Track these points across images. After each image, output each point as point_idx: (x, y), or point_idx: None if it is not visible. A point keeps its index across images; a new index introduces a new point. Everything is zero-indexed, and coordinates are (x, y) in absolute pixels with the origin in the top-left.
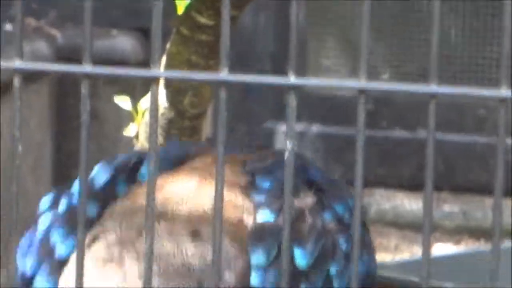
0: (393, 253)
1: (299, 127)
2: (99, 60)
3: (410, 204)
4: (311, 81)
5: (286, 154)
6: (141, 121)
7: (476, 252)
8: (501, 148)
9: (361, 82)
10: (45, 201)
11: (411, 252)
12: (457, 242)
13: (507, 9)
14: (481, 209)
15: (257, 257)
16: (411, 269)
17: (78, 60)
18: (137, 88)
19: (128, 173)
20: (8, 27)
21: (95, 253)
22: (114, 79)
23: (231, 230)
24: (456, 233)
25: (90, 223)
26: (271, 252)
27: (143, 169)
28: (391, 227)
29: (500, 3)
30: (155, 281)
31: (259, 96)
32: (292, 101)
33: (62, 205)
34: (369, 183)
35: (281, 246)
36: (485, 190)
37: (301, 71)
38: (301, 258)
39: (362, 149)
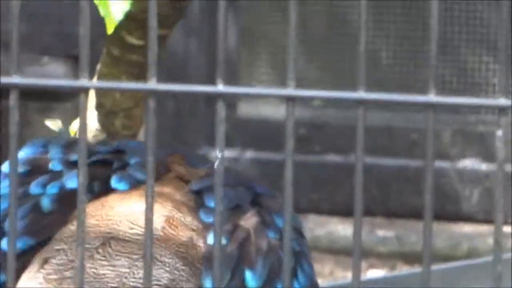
0: (328, 279)
1: (233, 153)
2: (29, 88)
3: (344, 229)
4: (240, 90)
5: (216, 164)
6: None
7: (409, 275)
8: (430, 170)
9: (289, 90)
10: None
11: (346, 278)
12: (391, 267)
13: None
14: (415, 233)
15: (209, 284)
16: None
17: (5, 87)
18: (70, 116)
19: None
20: None
21: (46, 275)
22: (46, 107)
23: (181, 251)
24: (390, 258)
25: (43, 225)
26: (224, 279)
27: (114, 179)
28: (326, 253)
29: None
30: None
31: (193, 122)
32: (220, 109)
33: None
34: (302, 209)
35: (233, 271)
36: (418, 214)
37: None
38: (252, 280)
39: (291, 157)
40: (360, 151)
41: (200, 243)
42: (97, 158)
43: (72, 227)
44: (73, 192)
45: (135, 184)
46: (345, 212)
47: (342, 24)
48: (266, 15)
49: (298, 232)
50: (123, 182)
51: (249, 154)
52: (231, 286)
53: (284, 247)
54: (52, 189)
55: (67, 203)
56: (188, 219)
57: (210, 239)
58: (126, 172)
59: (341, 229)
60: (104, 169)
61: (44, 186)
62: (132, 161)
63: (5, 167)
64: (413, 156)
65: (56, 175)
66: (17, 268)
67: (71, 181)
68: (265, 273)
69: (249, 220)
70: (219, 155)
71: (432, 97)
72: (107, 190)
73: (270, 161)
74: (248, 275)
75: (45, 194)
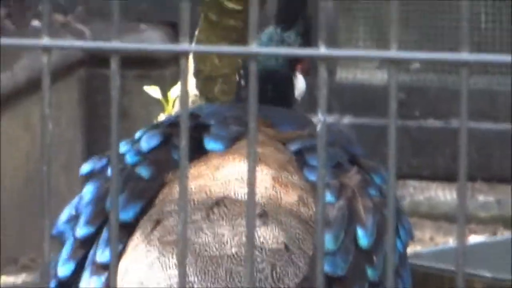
0: (428, 245)
1: (331, 118)
2: (127, 54)
3: (444, 195)
4: (342, 53)
5: (319, 126)
6: (171, 110)
7: (510, 240)
8: None
9: (392, 52)
10: (88, 167)
11: (446, 243)
12: (492, 233)
13: None
14: None
15: (326, 242)
16: (446, 257)
17: (105, 56)
18: (167, 83)
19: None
20: (35, 23)
21: (160, 236)
22: (144, 74)
23: (294, 210)
24: (491, 223)
25: (145, 189)
26: (339, 237)
27: (206, 139)
28: (426, 219)
29: None
30: (227, 264)
31: None
32: (323, 72)
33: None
34: (402, 175)
35: (346, 229)
36: None
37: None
38: (364, 237)
39: (394, 120)
40: (465, 113)
41: (310, 201)
42: (173, 120)
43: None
44: (157, 154)
45: (229, 144)
46: (445, 177)
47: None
48: None
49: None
50: (218, 142)
51: (347, 119)
52: (345, 244)
53: (388, 206)
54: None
55: (159, 166)
56: (295, 178)
57: None
58: (214, 131)
59: (441, 194)
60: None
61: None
62: (211, 121)
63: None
64: None
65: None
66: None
67: (146, 143)
68: (374, 230)
69: (353, 178)
70: (321, 118)
71: None
72: (199, 151)
73: (368, 126)
74: (360, 232)
75: (137, 162)
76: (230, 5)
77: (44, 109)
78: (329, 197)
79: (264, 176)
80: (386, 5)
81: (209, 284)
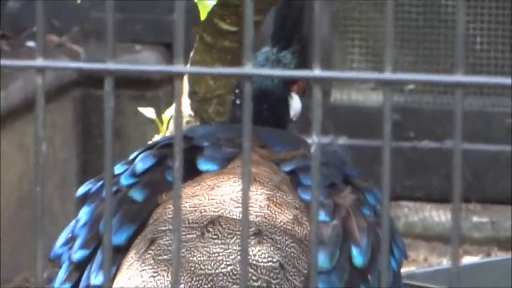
0: (422, 265)
1: (326, 139)
2: (122, 75)
3: (438, 216)
4: (336, 74)
5: (313, 147)
6: (165, 131)
7: (504, 261)
8: None
9: (386, 74)
10: (84, 189)
11: (440, 264)
12: (487, 253)
13: None
14: (510, 219)
15: (321, 261)
16: (440, 278)
17: (101, 76)
18: (162, 104)
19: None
20: (30, 43)
21: (155, 255)
22: (139, 95)
23: (289, 229)
24: (485, 244)
25: (138, 212)
26: (334, 256)
27: (200, 160)
28: (420, 239)
29: None
30: (221, 283)
31: None
32: (317, 94)
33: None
34: (397, 196)
35: (341, 248)
36: None
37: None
38: (358, 256)
39: (388, 141)
40: (459, 135)
41: (305, 220)
42: (167, 142)
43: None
44: (151, 176)
45: (223, 165)
46: (439, 198)
47: (437, 10)
48: (357, 2)
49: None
50: (212, 163)
51: (342, 140)
52: (340, 263)
53: (382, 226)
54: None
55: (153, 188)
56: (290, 197)
57: None
58: (208, 152)
59: (436, 215)
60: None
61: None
62: (204, 143)
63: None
64: (508, 141)
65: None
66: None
67: (141, 164)
68: (369, 249)
69: (347, 198)
70: (316, 139)
71: None
72: (193, 172)
73: (363, 147)
74: (355, 252)
75: (132, 184)
76: (225, 26)
77: (38, 130)
78: (323, 216)
79: (259, 196)
80: (381, 26)
81: None
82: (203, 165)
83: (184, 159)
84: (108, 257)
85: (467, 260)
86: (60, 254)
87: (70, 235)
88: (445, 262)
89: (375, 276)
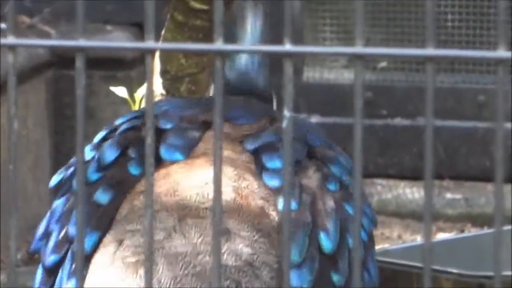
0: (396, 243)
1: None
2: (94, 55)
3: (412, 193)
4: (306, 49)
5: (284, 123)
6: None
7: (478, 236)
8: (500, 131)
9: (358, 48)
10: (56, 179)
11: (414, 241)
12: (460, 230)
13: None
14: (483, 196)
15: (291, 254)
16: (414, 254)
17: (72, 57)
18: (134, 84)
19: (140, 149)
20: (2, 26)
21: (124, 257)
22: (111, 75)
23: (257, 223)
24: (458, 221)
25: (103, 215)
26: (303, 247)
27: (163, 148)
28: (394, 217)
29: None
30: (191, 281)
31: None
32: (288, 69)
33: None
34: (370, 174)
35: (310, 237)
36: (487, 176)
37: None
38: (327, 243)
39: (360, 116)
40: (430, 110)
41: (272, 211)
42: (130, 125)
43: (139, 203)
44: (115, 171)
45: (187, 153)
46: (412, 175)
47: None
48: None
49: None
50: (175, 152)
51: (315, 118)
52: (310, 254)
53: (355, 210)
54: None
55: (117, 187)
56: (255, 186)
57: (281, 206)
58: (172, 139)
59: (409, 193)
60: (139, 136)
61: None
62: (167, 125)
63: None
64: (481, 118)
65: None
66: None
67: (108, 154)
68: (337, 233)
69: (312, 179)
70: (287, 114)
71: (502, 53)
72: (156, 158)
73: (336, 125)
74: (323, 237)
75: (96, 183)
76: (196, 4)
77: (10, 107)
78: (291, 204)
79: (224, 189)
80: (352, 4)
81: None
82: (166, 153)
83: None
84: (81, 257)
85: (441, 236)
86: (38, 248)
87: (46, 229)
88: (419, 239)
89: (345, 260)
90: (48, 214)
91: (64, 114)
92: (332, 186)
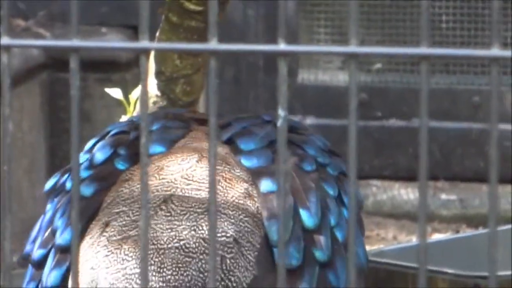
0: (391, 244)
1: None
2: (88, 58)
3: (407, 194)
4: (300, 48)
5: (279, 122)
6: (132, 112)
7: (473, 236)
8: (495, 133)
9: (352, 47)
10: (51, 183)
11: (410, 242)
12: (455, 231)
13: None
14: (478, 197)
15: (275, 234)
16: (409, 255)
17: (67, 59)
18: (128, 86)
19: (128, 147)
20: None
21: (109, 236)
22: (105, 78)
23: (241, 203)
24: (453, 221)
25: (85, 208)
26: (288, 227)
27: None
28: (389, 218)
29: None
30: (173, 255)
31: (252, 91)
32: (282, 69)
33: (67, 188)
34: (365, 175)
35: (294, 217)
36: (481, 177)
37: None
38: (309, 219)
39: (355, 115)
40: (425, 110)
41: (255, 193)
42: (118, 130)
43: (126, 189)
44: (102, 167)
45: (170, 145)
46: (407, 176)
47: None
48: None
49: (330, 153)
50: (159, 145)
51: (309, 120)
52: (295, 232)
53: (350, 209)
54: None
55: (102, 181)
56: (237, 170)
57: (264, 187)
58: (155, 136)
59: (404, 193)
60: (127, 139)
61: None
62: (154, 127)
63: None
64: (475, 119)
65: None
66: None
67: (99, 154)
68: (318, 209)
69: (289, 161)
70: (282, 113)
71: (496, 51)
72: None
73: (330, 126)
74: (304, 215)
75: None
76: (191, 6)
77: (4, 108)
78: (271, 185)
79: (209, 173)
80: (346, 5)
81: (154, 274)
82: (150, 148)
83: (133, 146)
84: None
85: (436, 237)
86: (30, 252)
87: (37, 232)
88: (414, 240)
89: (327, 235)
90: (41, 218)
91: (59, 117)
92: (308, 167)
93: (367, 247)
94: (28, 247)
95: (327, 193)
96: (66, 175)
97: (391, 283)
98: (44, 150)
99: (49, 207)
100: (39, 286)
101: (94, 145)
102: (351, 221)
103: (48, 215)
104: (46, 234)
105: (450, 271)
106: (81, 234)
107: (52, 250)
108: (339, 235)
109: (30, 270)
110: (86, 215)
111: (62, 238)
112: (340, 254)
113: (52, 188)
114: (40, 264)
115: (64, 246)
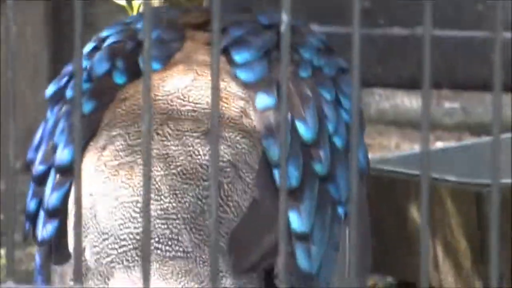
0: (394, 152)
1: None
2: None
3: (410, 102)
4: None
5: (283, 27)
6: None
7: (476, 145)
8: (499, 41)
9: None
10: (51, 90)
11: (412, 150)
12: (458, 139)
13: None
14: (481, 105)
15: (276, 154)
16: (412, 162)
17: None
18: None
19: (125, 59)
20: None
21: (106, 161)
22: None
23: (238, 123)
24: (456, 130)
25: (88, 122)
26: (286, 143)
27: (141, 60)
28: (392, 126)
29: None
30: (173, 180)
31: None
32: None
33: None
34: (368, 83)
35: (291, 132)
36: (485, 85)
37: None
38: (306, 132)
39: (358, 24)
40: (428, 18)
41: (251, 110)
42: (115, 39)
43: (124, 111)
44: (101, 82)
45: (166, 62)
46: (410, 84)
47: None
48: None
49: (328, 51)
50: (154, 62)
51: (313, 27)
52: (293, 149)
53: (353, 125)
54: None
55: (100, 96)
56: (233, 86)
57: (260, 102)
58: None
59: (407, 102)
60: (124, 49)
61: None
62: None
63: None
64: (479, 27)
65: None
66: None
67: (99, 67)
68: (315, 120)
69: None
70: (285, 18)
71: None
72: (135, 72)
73: (334, 34)
74: (301, 127)
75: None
76: None
77: (8, 11)
78: (268, 100)
79: (204, 91)
80: None
81: (152, 202)
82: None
83: (130, 57)
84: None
85: (439, 145)
86: (32, 159)
87: (39, 140)
88: (417, 148)
89: (326, 146)
90: (42, 125)
91: (62, 26)
92: (304, 73)
93: (370, 155)
94: (30, 154)
95: (324, 98)
96: (65, 80)
97: (393, 191)
98: (47, 58)
99: (49, 114)
100: (41, 204)
101: (92, 51)
102: (354, 128)
103: (49, 123)
104: (47, 147)
105: (452, 178)
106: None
107: (52, 169)
108: (338, 142)
109: (32, 185)
110: (85, 135)
111: (61, 157)
112: (340, 163)
113: (53, 94)
114: (40, 181)
115: (64, 166)
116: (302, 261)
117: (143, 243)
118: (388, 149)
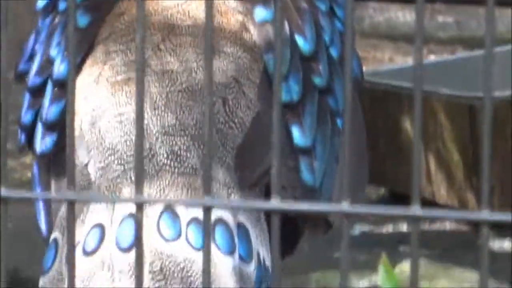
0: (387, 65)
1: None
2: None
3: (404, 15)
4: None
5: None
6: None
7: (469, 58)
8: None
9: None
10: (42, 2)
11: (405, 63)
12: (451, 52)
13: None
14: (474, 19)
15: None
16: (405, 75)
17: None
18: None
19: None
20: None
21: (108, 76)
22: None
23: (238, 38)
24: (450, 43)
25: (84, 36)
26: (286, 58)
27: None
28: (385, 39)
29: None
30: (178, 97)
31: None
32: None
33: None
34: None
35: (291, 48)
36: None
37: None
38: (304, 45)
39: None
40: None
41: (250, 24)
42: None
43: (122, 25)
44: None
45: None
46: None
47: None
48: None
49: None
50: None
51: None
52: (293, 62)
53: (347, 37)
54: None
55: (96, 9)
56: (231, 0)
57: (258, 15)
58: None
59: (401, 15)
60: None
61: None
62: None
63: None
64: None
65: None
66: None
67: None
68: (313, 33)
69: None
70: None
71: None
72: None
73: None
74: (300, 41)
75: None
76: None
77: None
78: (264, 13)
79: (203, 6)
80: None
81: (159, 118)
82: None
83: None
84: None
85: (432, 59)
86: (26, 69)
87: (31, 50)
88: (410, 61)
89: (324, 59)
90: (33, 35)
91: None
92: None
93: (363, 68)
94: (22, 65)
95: (319, 9)
96: None
97: (386, 103)
98: None
99: (41, 25)
100: (38, 116)
101: None
102: (348, 38)
103: (42, 35)
104: (42, 59)
105: (446, 91)
106: (78, 68)
107: (50, 82)
108: (334, 52)
109: (27, 97)
110: (83, 49)
111: (59, 71)
112: (337, 74)
113: (45, 5)
114: (36, 92)
115: (62, 80)
116: (305, 175)
117: (136, 159)
118: (382, 62)
